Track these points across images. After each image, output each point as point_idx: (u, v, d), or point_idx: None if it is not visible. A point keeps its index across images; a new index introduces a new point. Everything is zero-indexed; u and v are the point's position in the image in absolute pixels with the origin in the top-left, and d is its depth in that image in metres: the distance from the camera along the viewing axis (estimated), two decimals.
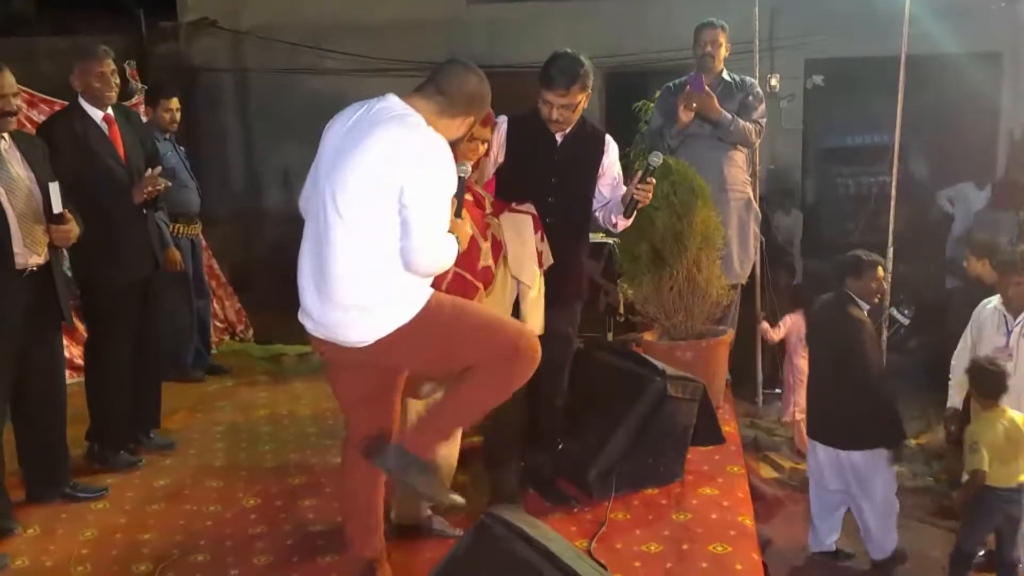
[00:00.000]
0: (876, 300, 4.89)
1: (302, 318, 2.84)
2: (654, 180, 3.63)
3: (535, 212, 3.59)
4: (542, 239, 3.59)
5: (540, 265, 3.58)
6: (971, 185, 8.90)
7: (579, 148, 3.70)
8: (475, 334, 2.80)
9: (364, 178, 2.64)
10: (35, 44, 9.94)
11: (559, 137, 3.67)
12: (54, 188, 3.67)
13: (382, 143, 2.65)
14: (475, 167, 3.35)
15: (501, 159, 3.69)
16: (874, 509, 4.60)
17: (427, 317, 2.72)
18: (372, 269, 2.67)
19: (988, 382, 4.25)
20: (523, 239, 3.53)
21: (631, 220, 3.73)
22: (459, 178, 2.82)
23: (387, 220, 2.65)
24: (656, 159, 3.60)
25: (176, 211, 5.65)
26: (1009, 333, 4.62)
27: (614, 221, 3.77)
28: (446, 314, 2.77)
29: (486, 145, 3.51)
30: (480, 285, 3.31)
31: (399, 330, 2.70)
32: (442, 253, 2.74)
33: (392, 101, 2.77)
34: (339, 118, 2.84)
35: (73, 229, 3.77)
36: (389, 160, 2.62)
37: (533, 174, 3.61)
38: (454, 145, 2.83)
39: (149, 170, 4.31)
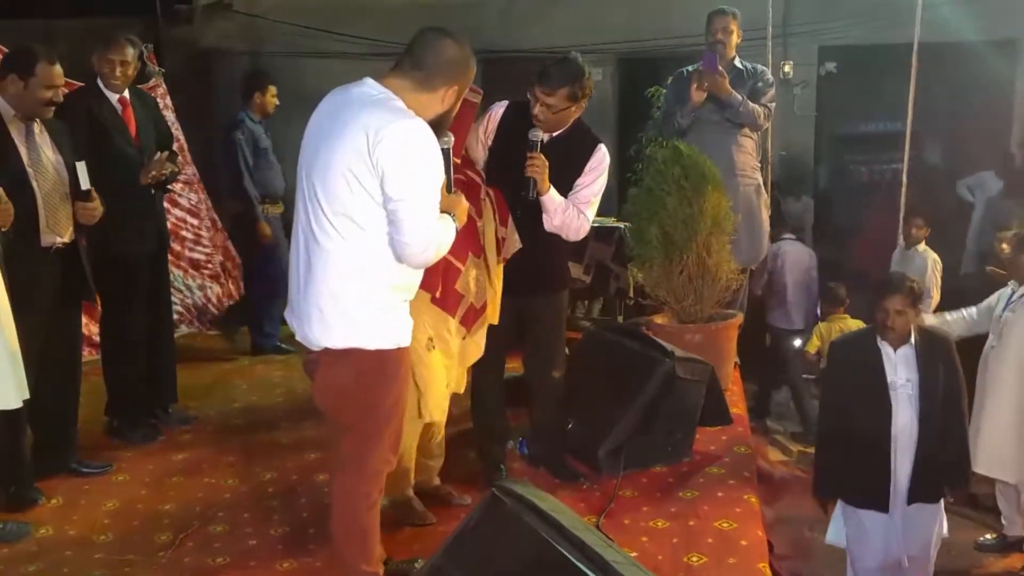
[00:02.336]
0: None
1: (287, 315, 2.84)
2: (539, 155, 3.51)
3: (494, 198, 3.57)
4: (505, 225, 3.57)
5: (500, 252, 3.57)
6: (991, 174, 8.91)
7: (568, 150, 3.65)
8: (392, 414, 2.78)
9: (344, 172, 2.56)
10: (52, 26, 10.00)
11: (546, 137, 3.60)
12: (81, 167, 3.79)
13: (359, 133, 2.55)
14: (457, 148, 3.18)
15: (491, 143, 3.69)
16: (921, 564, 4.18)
17: (384, 362, 2.69)
18: (353, 273, 2.63)
19: None
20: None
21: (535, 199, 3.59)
22: (443, 150, 2.74)
23: (371, 213, 2.59)
24: (534, 135, 3.52)
25: (263, 192, 5.94)
26: (1008, 305, 4.73)
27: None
28: (398, 375, 2.75)
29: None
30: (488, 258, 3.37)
31: (353, 353, 2.66)
32: (436, 240, 2.66)
33: (369, 85, 2.68)
34: (321, 106, 2.76)
35: (99, 207, 3.88)
36: (367, 151, 2.54)
37: (516, 165, 3.53)
38: (444, 117, 2.76)
39: (158, 154, 4.39)
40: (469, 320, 3.43)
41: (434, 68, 2.68)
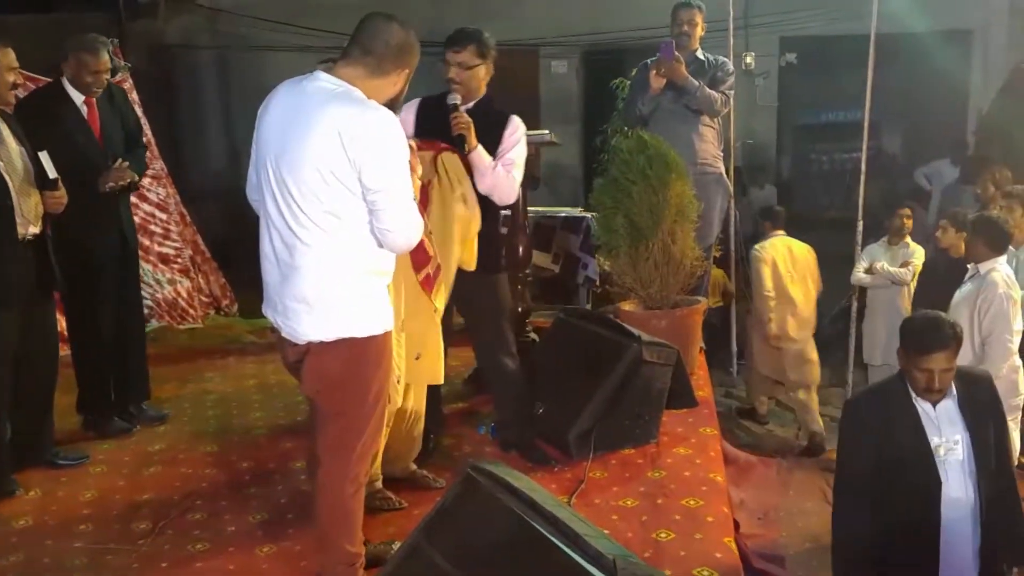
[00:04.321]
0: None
1: (266, 310, 2.88)
2: (461, 113, 3.67)
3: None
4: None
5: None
6: (947, 162, 9.11)
7: (486, 122, 3.75)
8: (377, 399, 2.85)
9: (318, 167, 2.61)
10: (14, 20, 9.91)
11: (463, 108, 3.74)
12: (44, 156, 3.85)
13: (329, 129, 2.59)
14: None
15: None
16: None
17: (372, 348, 2.77)
18: (337, 265, 2.69)
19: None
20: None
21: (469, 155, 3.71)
22: (453, 105, 2.98)
23: (349, 205, 2.65)
24: (452, 99, 3.69)
25: None
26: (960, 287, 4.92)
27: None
28: (382, 360, 2.83)
29: None
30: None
31: (346, 343, 2.73)
32: (416, 222, 2.77)
33: (323, 78, 2.70)
34: (273, 100, 2.78)
35: (64, 196, 3.92)
36: (341, 146, 2.58)
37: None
38: (395, 100, 2.83)
39: (118, 161, 4.35)
40: (429, 283, 3.45)
41: (384, 53, 2.73)
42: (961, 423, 3.26)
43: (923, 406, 3.27)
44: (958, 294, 5.01)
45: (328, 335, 2.75)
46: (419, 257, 3.35)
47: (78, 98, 4.33)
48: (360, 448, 2.87)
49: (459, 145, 3.62)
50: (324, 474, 2.88)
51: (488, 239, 3.77)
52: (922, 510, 3.24)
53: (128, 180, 4.40)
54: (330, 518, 2.90)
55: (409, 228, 2.75)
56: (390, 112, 2.71)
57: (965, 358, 4.73)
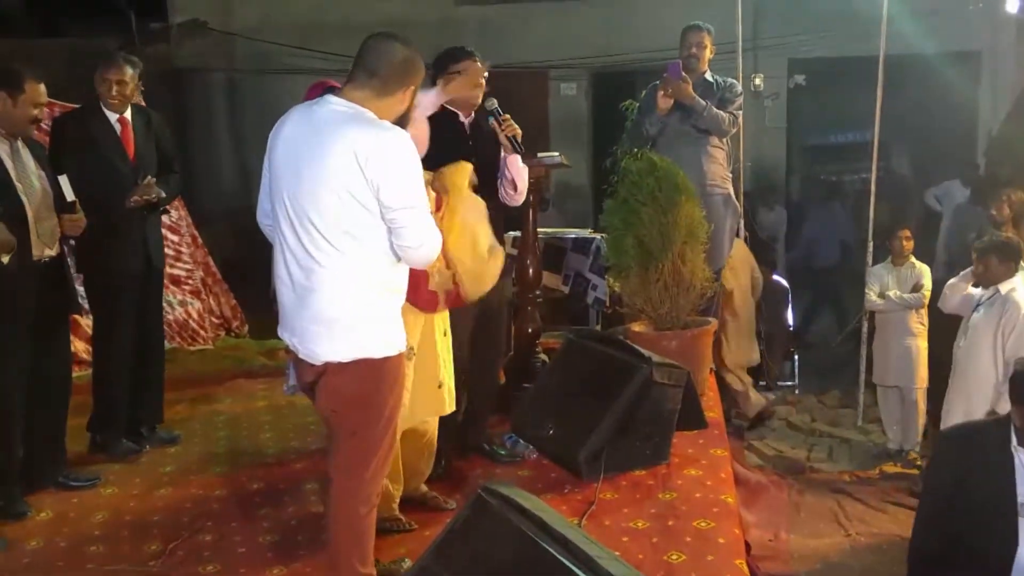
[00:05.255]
0: None
1: (282, 333, 2.91)
2: (507, 115, 3.85)
3: None
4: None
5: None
6: (957, 183, 9.11)
7: (484, 126, 3.88)
8: (391, 420, 2.87)
9: (337, 191, 2.64)
10: (26, 46, 10.03)
11: (465, 120, 3.88)
12: (64, 180, 3.91)
13: (346, 152, 2.62)
14: None
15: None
16: None
17: (388, 369, 2.80)
18: (354, 285, 2.72)
19: None
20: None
21: (523, 157, 3.94)
22: (494, 111, 3.12)
23: (368, 225, 2.68)
24: (490, 103, 3.86)
25: None
26: (975, 308, 4.89)
27: (508, 184, 3.98)
28: (398, 381, 2.87)
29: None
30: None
31: (361, 364, 2.75)
32: (435, 236, 2.81)
33: (334, 101, 2.74)
34: (285, 128, 2.81)
35: (83, 219, 3.98)
36: (358, 168, 2.62)
37: (454, 159, 3.60)
38: (404, 117, 2.86)
39: (148, 178, 4.40)
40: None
41: (388, 73, 2.76)
42: None
43: (1021, 456, 3.04)
44: (976, 316, 4.96)
45: (346, 356, 2.76)
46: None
47: (112, 116, 4.40)
48: (373, 468, 2.87)
49: (517, 144, 3.80)
50: (337, 493, 2.89)
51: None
52: (991, 569, 3.02)
53: (154, 197, 4.43)
54: (342, 537, 2.90)
55: (431, 242, 2.79)
56: (403, 131, 2.75)
57: (989, 382, 4.74)
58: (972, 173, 9.26)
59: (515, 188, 4.00)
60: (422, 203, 2.76)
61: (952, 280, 5.21)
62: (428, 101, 3.53)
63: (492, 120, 3.87)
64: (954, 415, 4.90)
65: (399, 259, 2.79)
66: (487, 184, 3.78)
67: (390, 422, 2.89)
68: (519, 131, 3.86)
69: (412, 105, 2.92)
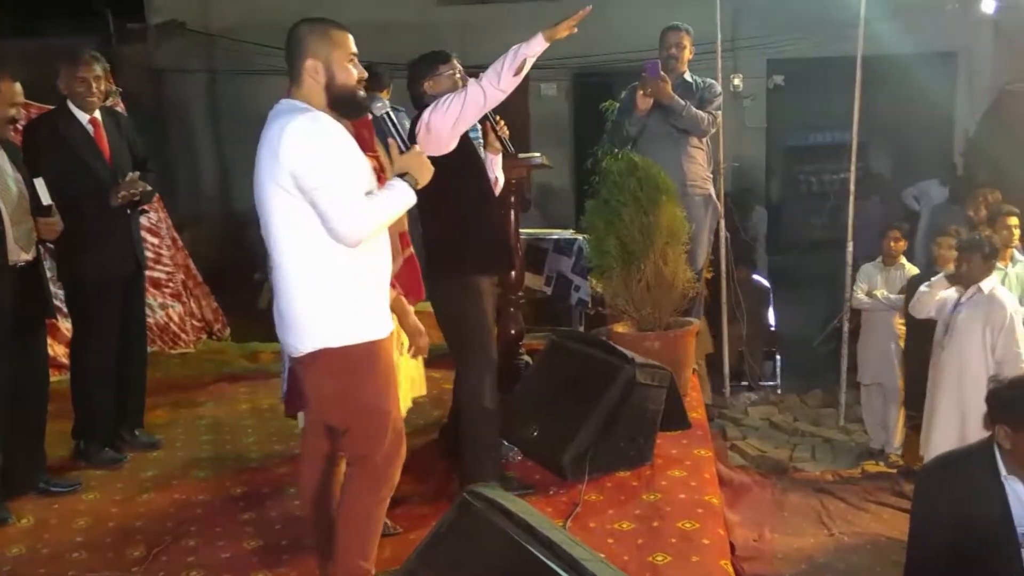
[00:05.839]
0: None
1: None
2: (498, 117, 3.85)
3: None
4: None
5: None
6: (935, 182, 9.18)
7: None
8: (383, 411, 2.84)
9: (269, 184, 2.69)
10: (2, 47, 9.93)
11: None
12: (40, 183, 3.87)
13: (268, 145, 2.69)
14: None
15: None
16: None
17: (354, 358, 2.75)
18: (306, 277, 2.73)
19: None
20: None
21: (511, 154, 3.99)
22: (385, 114, 2.87)
23: (303, 213, 2.67)
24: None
25: None
26: (955, 309, 4.89)
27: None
28: (375, 370, 2.80)
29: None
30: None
31: (324, 354, 2.74)
32: (365, 216, 2.69)
33: (280, 102, 2.79)
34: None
35: (59, 222, 3.94)
36: (277, 157, 2.65)
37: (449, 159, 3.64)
38: (342, 91, 2.77)
39: (130, 174, 4.39)
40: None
41: (296, 56, 2.78)
42: None
43: (1014, 486, 2.86)
44: (960, 317, 4.90)
45: (307, 347, 2.77)
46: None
47: (83, 117, 4.36)
48: (379, 462, 2.85)
49: (506, 145, 3.83)
50: (346, 485, 2.91)
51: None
52: None
53: (140, 192, 4.40)
54: (349, 532, 2.89)
55: (356, 222, 2.68)
56: (317, 112, 2.72)
57: (982, 383, 4.74)
58: (950, 173, 9.34)
59: (496, 186, 4.00)
60: (338, 182, 2.67)
61: (923, 287, 5.16)
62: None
63: (486, 121, 3.82)
64: (948, 419, 4.87)
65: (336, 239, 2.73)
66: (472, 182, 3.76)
67: (380, 413, 2.85)
68: (507, 131, 3.89)
69: (346, 77, 2.79)
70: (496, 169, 4.00)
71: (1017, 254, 5.65)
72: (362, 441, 2.85)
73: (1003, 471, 2.87)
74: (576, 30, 3.37)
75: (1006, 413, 2.87)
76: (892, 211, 9.51)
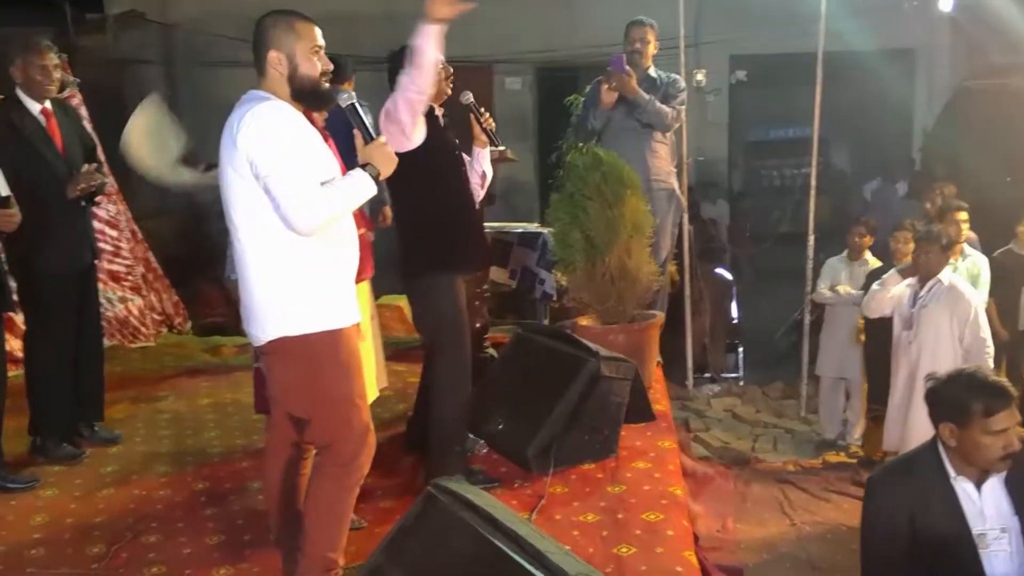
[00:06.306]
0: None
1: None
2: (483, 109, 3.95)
3: None
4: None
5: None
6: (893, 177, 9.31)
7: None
8: (347, 400, 2.82)
9: (230, 173, 2.70)
10: None
11: (439, 113, 3.81)
12: None
13: (228, 132, 2.71)
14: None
15: None
16: None
17: (313, 347, 2.75)
18: (264, 266, 2.73)
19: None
20: None
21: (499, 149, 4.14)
22: (351, 105, 2.88)
23: (260, 202, 2.68)
24: (465, 97, 3.96)
25: None
26: (917, 301, 4.93)
27: (479, 177, 4.05)
28: (337, 359, 2.79)
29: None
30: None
31: (284, 343, 2.74)
32: (317, 204, 2.68)
33: (247, 92, 2.82)
34: None
35: (17, 214, 3.86)
36: (234, 145, 2.67)
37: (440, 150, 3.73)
38: (305, 81, 2.77)
39: (85, 165, 4.32)
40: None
41: (261, 48, 2.80)
42: (1009, 507, 2.76)
43: (963, 486, 2.78)
44: (924, 312, 4.90)
45: (266, 335, 2.77)
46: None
47: (34, 107, 4.27)
48: (346, 452, 2.84)
49: (492, 138, 3.90)
50: (316, 476, 2.90)
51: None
52: None
53: (97, 183, 4.34)
54: (316, 522, 2.87)
55: (308, 210, 2.66)
56: (276, 102, 2.74)
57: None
58: (908, 168, 9.46)
59: (484, 180, 4.03)
60: (292, 169, 2.66)
61: (875, 286, 5.16)
62: None
63: (471, 114, 3.88)
64: (925, 412, 4.87)
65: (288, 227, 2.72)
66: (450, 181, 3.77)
67: (343, 402, 2.83)
68: (493, 124, 3.94)
69: (310, 67, 2.79)
70: (484, 163, 4.02)
71: (967, 248, 5.75)
72: (326, 431, 2.84)
73: (951, 473, 2.81)
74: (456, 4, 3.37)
75: (950, 410, 2.80)
76: (850, 206, 9.64)
